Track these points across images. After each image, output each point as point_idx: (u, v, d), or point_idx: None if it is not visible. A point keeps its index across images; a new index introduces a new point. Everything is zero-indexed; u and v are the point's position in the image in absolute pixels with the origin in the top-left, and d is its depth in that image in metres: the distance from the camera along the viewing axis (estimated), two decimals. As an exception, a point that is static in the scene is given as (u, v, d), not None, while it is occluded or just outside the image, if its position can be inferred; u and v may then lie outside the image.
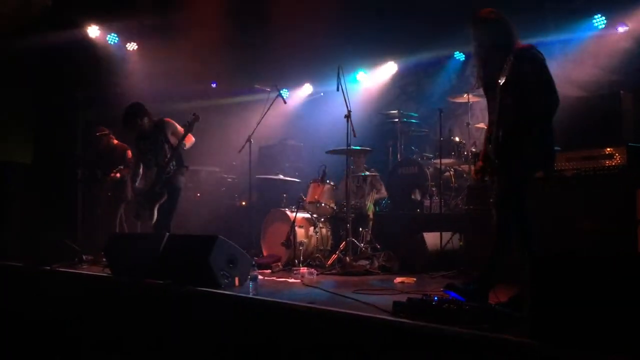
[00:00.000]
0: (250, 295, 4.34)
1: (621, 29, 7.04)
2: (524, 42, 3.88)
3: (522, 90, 3.57)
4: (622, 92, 6.56)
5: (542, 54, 3.70)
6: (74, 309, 5.72)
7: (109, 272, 5.93)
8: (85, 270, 6.47)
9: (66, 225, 8.34)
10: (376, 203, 7.50)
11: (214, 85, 10.32)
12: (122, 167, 7.46)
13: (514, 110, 3.61)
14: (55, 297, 6.06)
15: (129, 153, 7.57)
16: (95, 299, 5.63)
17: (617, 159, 4.74)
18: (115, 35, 9.17)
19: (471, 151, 7.08)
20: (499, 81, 3.67)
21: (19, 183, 8.86)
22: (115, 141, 7.77)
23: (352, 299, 4.11)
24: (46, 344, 5.77)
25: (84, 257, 7.12)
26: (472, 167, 6.20)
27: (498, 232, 3.67)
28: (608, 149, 4.80)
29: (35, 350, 5.91)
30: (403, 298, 3.51)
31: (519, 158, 3.62)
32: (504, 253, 3.66)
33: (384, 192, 7.68)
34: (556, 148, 4.85)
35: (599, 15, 7.20)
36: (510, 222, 3.64)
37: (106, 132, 7.79)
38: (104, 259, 6.32)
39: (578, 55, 7.29)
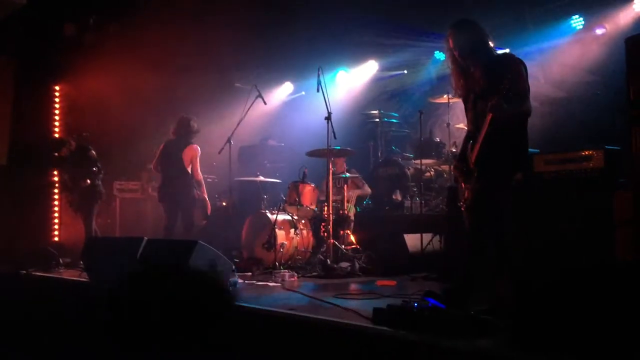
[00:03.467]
0: (230, 302, 4.30)
1: (599, 31, 7.09)
2: (503, 43, 3.90)
3: (501, 95, 3.58)
4: (599, 93, 6.63)
5: (522, 61, 3.72)
6: (49, 314, 5.63)
7: (86, 276, 5.85)
8: (62, 274, 6.37)
9: (43, 227, 8.22)
10: (358, 203, 7.49)
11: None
12: (94, 169, 7.35)
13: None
14: (31, 302, 5.96)
15: (93, 153, 7.44)
16: (72, 304, 5.55)
17: (595, 162, 4.75)
18: (92, 33, 9.02)
19: (451, 151, 7.10)
20: (478, 88, 3.70)
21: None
22: (73, 143, 7.60)
23: (333, 304, 4.09)
24: (21, 349, 5.67)
25: (61, 260, 7.02)
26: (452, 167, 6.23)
27: (472, 237, 3.68)
28: (586, 152, 4.81)
29: (11, 355, 5.81)
30: (384, 303, 3.50)
31: (496, 162, 3.66)
32: (479, 258, 3.66)
33: (367, 189, 7.65)
34: (534, 150, 4.89)
35: (577, 16, 7.25)
36: (483, 226, 3.66)
37: (64, 139, 7.66)
38: (82, 263, 6.23)
39: (556, 56, 7.34)
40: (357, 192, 7.44)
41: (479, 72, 3.79)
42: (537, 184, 4.78)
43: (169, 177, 7.08)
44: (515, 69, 3.61)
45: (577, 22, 7.29)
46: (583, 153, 4.81)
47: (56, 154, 7.65)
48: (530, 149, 4.11)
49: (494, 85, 3.56)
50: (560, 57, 7.32)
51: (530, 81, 3.84)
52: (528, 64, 3.82)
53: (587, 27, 7.22)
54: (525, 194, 4.38)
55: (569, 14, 7.33)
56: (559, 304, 2.60)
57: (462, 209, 3.84)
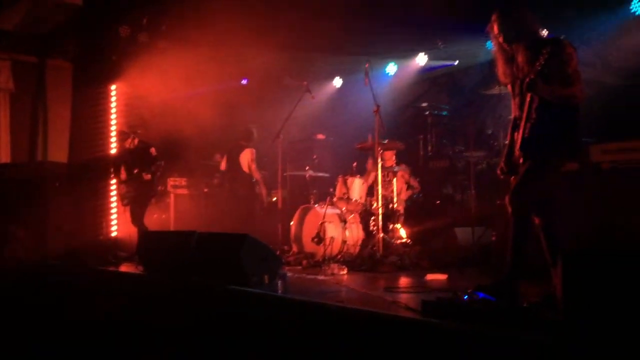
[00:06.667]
0: (279, 294, 4.34)
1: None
2: (559, 29, 3.78)
3: (550, 81, 3.48)
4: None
5: (572, 44, 3.59)
6: (108, 306, 5.82)
7: (142, 269, 6.02)
8: (119, 268, 6.57)
9: (102, 222, 8.48)
10: (408, 197, 7.42)
11: (244, 82, 10.34)
12: (154, 165, 7.52)
13: (541, 102, 3.53)
14: (91, 295, 6.17)
15: (153, 150, 7.62)
16: (130, 297, 5.72)
17: (657, 151, 4.55)
18: (146, 33, 9.22)
19: (504, 143, 6.92)
20: (526, 74, 3.60)
21: (56, 181, 9.02)
22: (137, 140, 7.78)
23: (382, 297, 4.07)
24: (80, 340, 5.89)
25: (118, 254, 7.24)
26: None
27: (515, 225, 3.59)
28: (648, 140, 4.62)
29: (71, 344, 6.04)
30: (433, 297, 3.46)
31: (541, 146, 3.56)
32: (523, 248, 3.57)
33: (417, 186, 7.57)
34: (589, 140, 4.72)
35: (637, 1, 6.94)
36: (527, 212, 3.56)
37: (128, 132, 7.85)
38: (137, 256, 6.41)
39: (615, 42, 7.04)
40: (408, 193, 7.42)
41: (522, 57, 3.69)
42: (594, 173, 4.62)
43: (233, 177, 8.35)
44: (561, 51, 3.48)
45: (636, 6, 6.99)
46: (644, 142, 4.62)
47: (119, 146, 7.92)
48: (585, 138, 3.98)
49: (543, 70, 3.46)
50: (618, 43, 7.02)
51: (587, 68, 3.71)
52: (585, 50, 3.70)
53: (648, 11, 6.91)
54: (581, 184, 4.25)
55: (628, -1, 7.04)
56: (612, 298, 2.50)
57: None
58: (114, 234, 8.31)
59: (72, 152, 8.91)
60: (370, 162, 7.56)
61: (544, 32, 4.02)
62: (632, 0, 6.97)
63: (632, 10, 6.99)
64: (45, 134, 10.46)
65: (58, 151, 9.61)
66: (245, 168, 8.21)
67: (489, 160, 7.29)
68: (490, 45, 8.38)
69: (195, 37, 8.90)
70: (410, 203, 7.42)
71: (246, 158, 8.22)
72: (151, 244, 6.01)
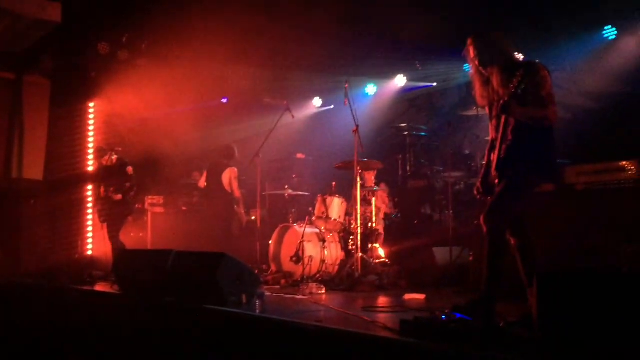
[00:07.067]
0: (257, 314, 4.30)
1: (632, 40, 6.97)
2: (535, 54, 3.86)
3: (524, 104, 3.55)
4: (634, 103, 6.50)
5: (546, 67, 3.67)
6: (83, 326, 5.72)
7: (118, 288, 5.93)
8: (94, 287, 6.46)
9: (77, 241, 8.36)
10: (385, 217, 7.45)
11: (224, 101, 10.35)
12: (128, 184, 7.47)
13: (516, 124, 3.60)
14: (66, 314, 6.06)
15: (130, 169, 7.57)
16: (105, 316, 5.63)
17: (631, 173, 4.65)
18: (126, 50, 9.20)
19: (482, 164, 7.01)
20: (501, 96, 3.67)
21: (31, 198, 8.90)
22: (115, 158, 7.73)
23: (360, 317, 4.06)
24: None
25: (93, 273, 7.13)
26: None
27: (490, 244, 3.63)
28: (621, 163, 4.72)
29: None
30: (411, 316, 3.46)
31: (518, 168, 3.61)
32: (499, 267, 3.61)
33: (392, 208, 7.65)
34: (565, 161, 4.81)
35: (610, 27, 7.14)
36: (502, 231, 3.60)
37: (106, 149, 7.80)
38: (113, 275, 6.32)
39: (589, 67, 7.22)
40: (384, 210, 7.45)
41: (497, 80, 3.76)
42: (569, 194, 4.69)
43: (212, 195, 8.30)
44: (535, 74, 3.56)
45: (609, 32, 7.18)
46: (618, 164, 4.72)
47: (97, 162, 7.85)
48: (560, 160, 4.04)
49: (518, 92, 3.52)
50: (592, 68, 7.20)
51: (561, 91, 3.79)
52: (560, 75, 3.78)
53: (620, 37, 7.10)
54: (556, 205, 4.31)
55: (601, 25, 7.22)
56: (587, 316, 2.53)
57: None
58: (89, 253, 8.19)
59: (48, 170, 8.79)
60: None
61: (519, 56, 4.10)
62: (605, 26, 7.17)
63: (605, 36, 7.19)
64: (21, 151, 10.30)
65: (34, 168, 9.45)
66: (226, 187, 8.19)
67: (467, 180, 7.37)
68: (468, 67, 8.55)
69: (175, 56, 8.90)
70: (388, 223, 7.45)
71: (228, 177, 8.19)
72: (127, 263, 5.92)
